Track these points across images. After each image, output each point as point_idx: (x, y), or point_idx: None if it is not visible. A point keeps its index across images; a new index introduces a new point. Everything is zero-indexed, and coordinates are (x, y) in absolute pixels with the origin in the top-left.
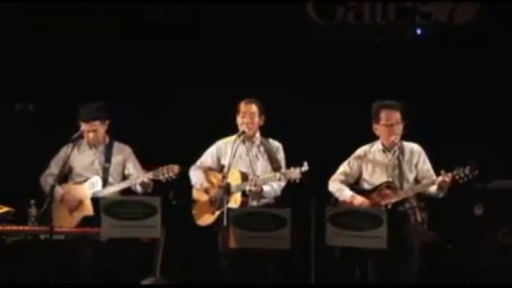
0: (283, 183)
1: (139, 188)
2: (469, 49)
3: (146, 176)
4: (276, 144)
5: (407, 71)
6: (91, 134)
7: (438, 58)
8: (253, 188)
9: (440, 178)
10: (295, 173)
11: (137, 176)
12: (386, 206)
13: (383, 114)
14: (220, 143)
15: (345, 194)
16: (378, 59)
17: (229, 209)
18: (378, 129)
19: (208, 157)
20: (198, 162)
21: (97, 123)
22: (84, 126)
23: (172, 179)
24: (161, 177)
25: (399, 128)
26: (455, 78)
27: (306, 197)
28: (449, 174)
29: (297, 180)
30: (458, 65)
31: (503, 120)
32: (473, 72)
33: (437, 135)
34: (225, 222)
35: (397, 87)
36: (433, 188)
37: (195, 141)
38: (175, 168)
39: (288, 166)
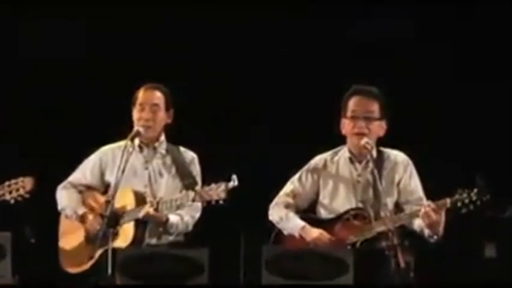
0: (197, 214)
1: None
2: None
3: None
4: (190, 154)
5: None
6: None
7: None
8: (151, 212)
9: (422, 210)
10: (217, 191)
11: None
12: (353, 244)
13: (351, 102)
14: (104, 150)
15: (292, 225)
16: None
17: (115, 250)
18: (346, 124)
19: (86, 170)
20: (70, 178)
21: None
22: None
23: (24, 199)
24: (7, 197)
25: (373, 127)
26: (460, 60)
27: (233, 230)
28: (447, 200)
29: (221, 202)
30: (462, 40)
31: None
32: (488, 53)
33: (434, 141)
34: (109, 270)
35: (375, 71)
36: (418, 222)
37: (71, 146)
38: (28, 183)
39: (204, 181)
